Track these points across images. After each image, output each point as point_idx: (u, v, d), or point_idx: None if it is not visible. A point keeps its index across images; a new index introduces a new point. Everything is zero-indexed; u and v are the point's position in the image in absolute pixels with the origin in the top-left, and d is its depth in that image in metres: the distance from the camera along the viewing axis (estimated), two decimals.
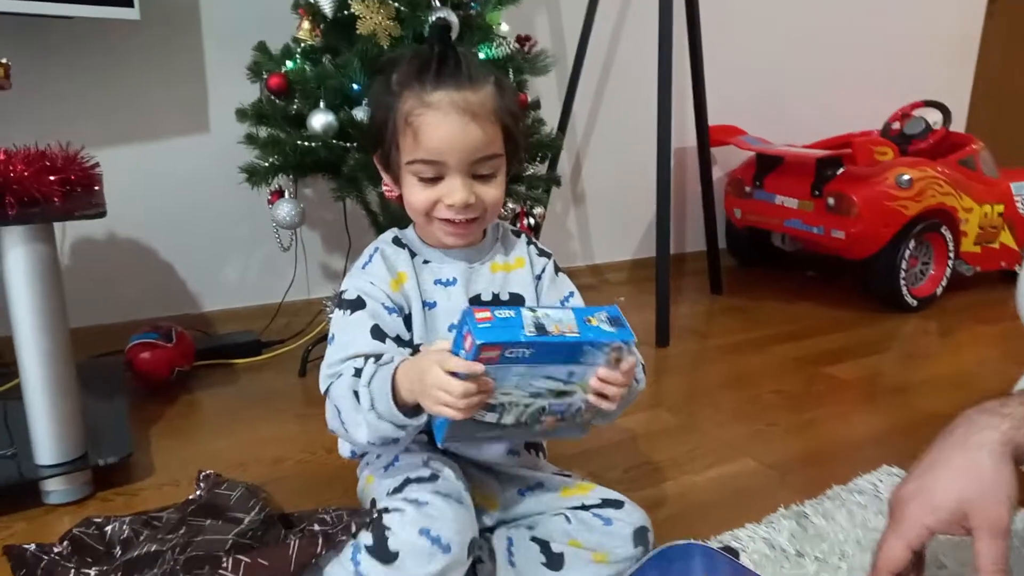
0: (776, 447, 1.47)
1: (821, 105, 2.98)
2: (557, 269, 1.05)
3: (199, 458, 1.36)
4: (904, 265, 2.27)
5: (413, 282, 0.95)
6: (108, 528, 1.06)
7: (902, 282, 2.28)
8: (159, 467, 1.35)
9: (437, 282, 0.97)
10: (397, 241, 1.00)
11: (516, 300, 1.00)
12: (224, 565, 0.85)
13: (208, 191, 1.93)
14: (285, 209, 1.62)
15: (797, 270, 2.78)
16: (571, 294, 1.05)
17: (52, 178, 1.24)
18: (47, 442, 1.20)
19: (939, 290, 2.38)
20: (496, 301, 0.99)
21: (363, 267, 0.97)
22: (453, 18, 1.56)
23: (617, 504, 0.96)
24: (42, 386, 1.18)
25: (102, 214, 1.17)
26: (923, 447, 0.83)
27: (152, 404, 1.60)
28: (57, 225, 1.76)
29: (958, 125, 3.16)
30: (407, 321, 0.95)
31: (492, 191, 0.91)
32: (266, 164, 1.58)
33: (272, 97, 1.59)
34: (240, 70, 1.69)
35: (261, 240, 1.97)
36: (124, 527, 1.05)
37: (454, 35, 1.57)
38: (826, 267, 2.73)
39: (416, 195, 0.90)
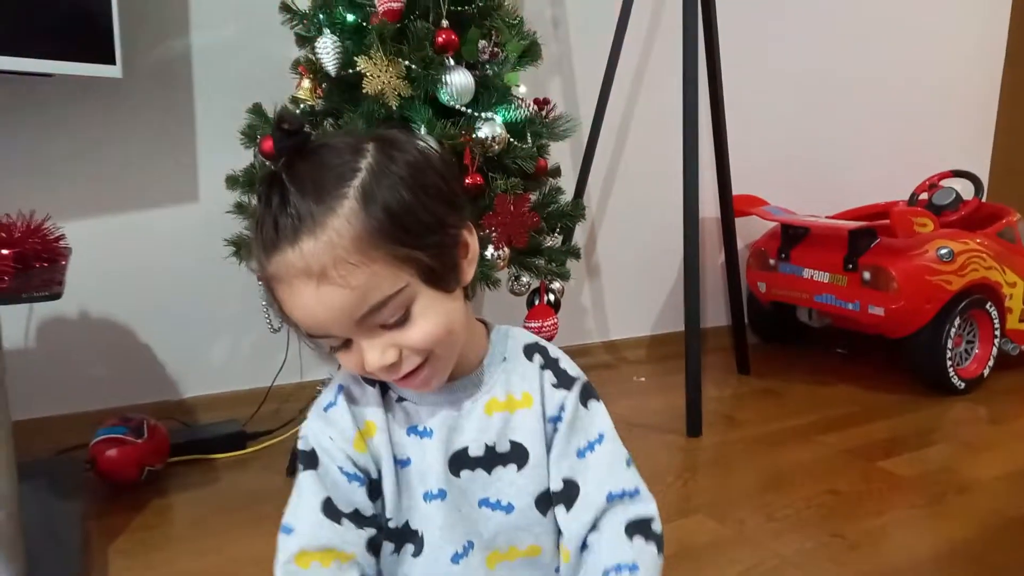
0: (849, 565, 1.26)
1: (843, 175, 2.87)
2: (587, 398, 0.74)
3: None
4: (950, 344, 2.10)
5: (384, 435, 0.70)
6: None
7: (948, 363, 2.10)
8: None
9: (411, 431, 0.71)
10: None
11: (519, 453, 0.72)
12: None
13: (194, 265, 1.75)
14: None
15: (826, 347, 2.60)
16: (600, 438, 0.73)
17: (5, 252, 1.10)
18: None
19: (986, 371, 2.20)
20: (491, 455, 0.71)
21: (324, 409, 0.72)
22: (469, 79, 1.42)
23: None
24: None
25: (56, 295, 0.98)
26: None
27: (116, 510, 1.38)
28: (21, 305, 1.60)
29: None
30: (374, 487, 0.70)
31: (417, 331, 0.63)
32: None
33: (266, 162, 1.43)
34: (234, 134, 1.54)
35: (252, 319, 1.77)
36: None
37: (467, 98, 1.43)
38: (856, 344, 2.56)
39: (343, 361, 0.66)
